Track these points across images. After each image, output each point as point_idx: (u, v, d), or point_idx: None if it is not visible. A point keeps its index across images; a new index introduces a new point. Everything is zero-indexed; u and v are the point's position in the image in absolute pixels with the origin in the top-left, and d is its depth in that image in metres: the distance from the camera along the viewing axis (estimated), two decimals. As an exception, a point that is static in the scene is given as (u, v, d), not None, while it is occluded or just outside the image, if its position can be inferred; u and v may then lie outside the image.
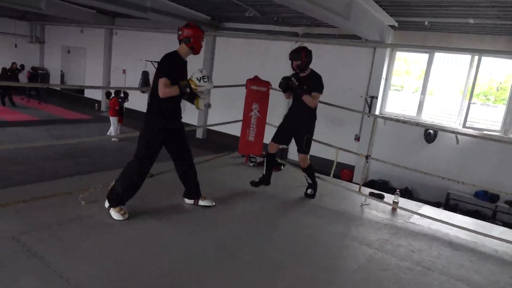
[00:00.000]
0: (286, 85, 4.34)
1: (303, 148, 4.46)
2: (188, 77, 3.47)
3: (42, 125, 12.05)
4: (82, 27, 16.10)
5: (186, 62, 3.58)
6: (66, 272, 2.55)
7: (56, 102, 16.49)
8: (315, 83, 4.30)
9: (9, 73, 14.74)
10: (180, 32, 3.48)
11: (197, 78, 3.38)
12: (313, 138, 4.61)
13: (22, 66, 16.38)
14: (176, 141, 3.66)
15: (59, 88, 17.77)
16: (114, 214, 3.39)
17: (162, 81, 3.30)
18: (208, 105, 3.79)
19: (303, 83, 4.26)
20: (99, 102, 16.06)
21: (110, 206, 3.42)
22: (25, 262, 2.62)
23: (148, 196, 3.88)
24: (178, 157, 3.75)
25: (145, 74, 13.83)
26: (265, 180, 4.75)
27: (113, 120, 10.92)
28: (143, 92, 13.16)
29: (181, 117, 3.71)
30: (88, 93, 16.92)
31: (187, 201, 3.95)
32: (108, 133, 10.99)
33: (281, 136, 4.60)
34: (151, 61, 13.81)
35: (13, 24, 17.15)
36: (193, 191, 3.92)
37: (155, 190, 4.04)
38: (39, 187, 3.98)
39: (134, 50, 14.57)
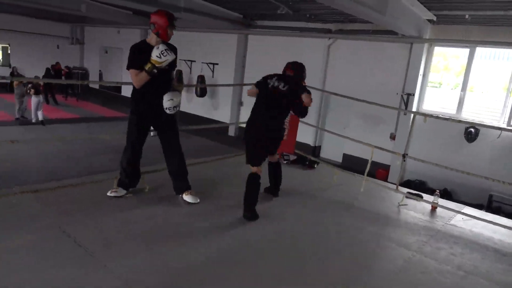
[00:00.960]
0: None
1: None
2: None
3: (82, 123, 12.56)
4: (118, 28, 16.62)
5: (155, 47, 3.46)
6: (109, 262, 2.65)
7: (95, 100, 17.15)
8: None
9: (52, 73, 15.46)
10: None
11: (156, 56, 3.38)
12: (348, 136, 4.42)
13: (68, 68, 17.25)
14: (159, 127, 3.78)
15: (97, 87, 18.44)
16: (109, 191, 3.71)
17: (130, 73, 3.45)
18: (174, 107, 3.61)
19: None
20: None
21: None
22: (70, 252, 2.74)
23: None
24: (165, 149, 3.82)
25: (179, 73, 14.09)
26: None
27: None
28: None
29: (159, 103, 3.56)
30: (124, 92, 17.46)
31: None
32: None
33: None
34: (185, 60, 14.08)
35: (55, 26, 17.98)
36: (179, 187, 3.86)
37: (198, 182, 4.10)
38: (85, 180, 4.15)
39: (168, 49, 14.85)
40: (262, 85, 3.86)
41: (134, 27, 15.63)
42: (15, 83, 11.42)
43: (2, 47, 18.06)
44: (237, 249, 3.11)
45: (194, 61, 13.93)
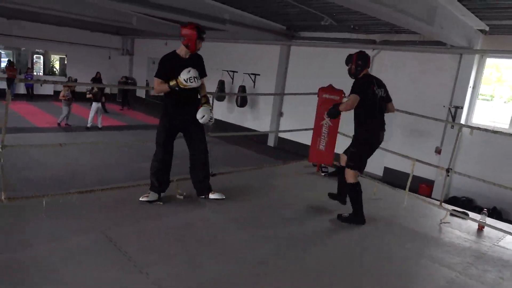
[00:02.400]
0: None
1: (347, 161, 4.02)
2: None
3: (130, 130, 13.14)
4: (166, 39, 17.32)
5: (187, 59, 3.76)
6: (145, 267, 2.74)
7: (141, 109, 17.92)
8: (353, 86, 3.90)
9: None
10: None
11: (184, 79, 3.60)
12: (390, 149, 4.24)
13: (126, 78, 18.30)
14: (185, 133, 3.98)
15: (143, 96, 19.26)
16: (141, 196, 3.83)
17: (154, 81, 3.80)
18: (210, 119, 3.88)
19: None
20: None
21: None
22: (110, 255, 2.87)
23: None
24: (189, 148, 4.03)
25: (221, 83, 14.42)
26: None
27: None
28: (218, 100, 13.75)
29: (188, 112, 3.84)
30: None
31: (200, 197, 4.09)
32: None
33: None
34: (227, 70, 14.38)
35: (108, 38, 19.11)
36: (198, 187, 4.08)
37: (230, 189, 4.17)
38: (125, 185, 4.34)
39: (211, 60, 15.20)
40: (370, 94, 3.83)
41: (180, 39, 16.21)
42: (61, 94, 12.22)
43: (60, 58, 19.44)
44: (274, 260, 3.11)
45: (236, 71, 14.19)
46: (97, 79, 16.59)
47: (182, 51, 3.78)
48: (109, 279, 2.59)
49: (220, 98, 13.87)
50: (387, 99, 4.13)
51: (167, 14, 9.82)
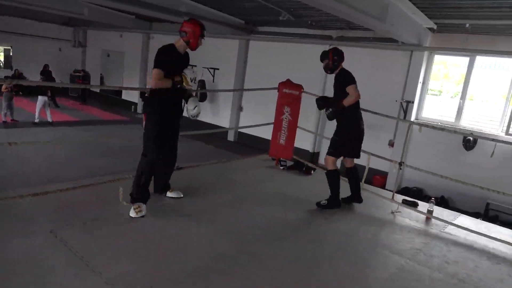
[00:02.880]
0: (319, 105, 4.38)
1: (328, 149, 4.30)
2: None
3: (83, 125, 12.59)
4: (121, 31, 16.72)
5: (183, 55, 3.62)
6: (99, 266, 2.64)
7: (95, 104, 17.23)
8: (343, 79, 4.16)
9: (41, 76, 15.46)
10: (181, 25, 3.55)
11: (190, 79, 3.50)
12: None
13: (84, 71, 17.53)
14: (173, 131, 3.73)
15: (98, 90, 18.51)
16: (131, 211, 3.47)
17: (155, 72, 3.39)
18: (196, 115, 3.87)
19: (335, 84, 4.23)
20: (135, 104, 16.59)
21: (130, 201, 3.53)
22: (61, 256, 2.74)
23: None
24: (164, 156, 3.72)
25: (182, 77, 14.13)
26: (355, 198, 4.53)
27: None
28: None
29: (178, 111, 3.70)
30: (125, 96, 17.54)
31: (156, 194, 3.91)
32: None
33: None
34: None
35: (57, 29, 18.10)
36: (159, 185, 3.90)
37: (183, 184, 4.11)
38: (76, 184, 4.15)
39: (169, 53, 14.91)
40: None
41: (137, 31, 15.72)
42: (3, 86, 11.51)
43: (4, 49, 18.17)
44: (231, 255, 3.11)
45: (195, 65, 13.99)
46: (45, 72, 15.72)
47: (181, 46, 3.57)
48: (61, 280, 2.48)
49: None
50: None
51: (121, 5, 9.48)
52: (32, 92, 13.66)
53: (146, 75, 16.31)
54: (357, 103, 4.19)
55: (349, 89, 4.04)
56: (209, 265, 2.88)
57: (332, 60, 4.15)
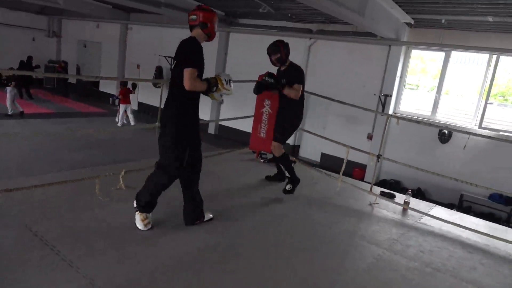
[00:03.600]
0: (258, 87, 4.37)
1: (275, 135, 4.40)
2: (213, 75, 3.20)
3: (58, 118, 12.26)
4: (98, 21, 16.29)
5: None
6: (76, 261, 2.59)
7: (72, 95, 16.78)
8: (295, 75, 4.20)
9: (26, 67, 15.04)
10: (194, 16, 3.06)
11: (224, 80, 3.15)
12: (326, 135, 4.53)
13: (64, 62, 17.05)
14: (193, 148, 3.21)
15: (74, 82, 18.03)
16: (138, 222, 3.13)
17: (190, 72, 2.88)
18: (221, 101, 3.79)
19: (284, 77, 4.24)
20: (113, 96, 16.26)
21: (136, 210, 3.16)
22: (36, 251, 2.67)
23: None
24: (189, 169, 3.23)
25: (159, 69, 13.93)
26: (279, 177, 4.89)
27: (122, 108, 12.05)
28: (155, 86, 13.32)
29: (197, 117, 3.27)
30: (102, 87, 17.15)
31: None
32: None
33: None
34: (165, 56, 13.92)
35: (31, 18, 17.46)
36: (192, 214, 3.38)
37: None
38: (52, 177, 4.04)
39: (148, 45, 14.67)
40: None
41: (114, 22, 15.36)
42: None
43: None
44: (209, 249, 3.10)
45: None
46: (25, 64, 15.27)
47: (202, 39, 3.09)
48: (36, 275, 2.42)
49: (155, 85, 13.38)
50: None
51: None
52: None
53: (125, 67, 15.99)
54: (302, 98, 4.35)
55: (297, 86, 4.13)
56: (183, 261, 2.86)
57: (285, 54, 4.20)
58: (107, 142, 9.47)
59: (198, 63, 2.96)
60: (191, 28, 3.11)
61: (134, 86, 12.71)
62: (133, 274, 2.58)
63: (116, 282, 2.47)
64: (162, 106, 3.22)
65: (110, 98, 16.26)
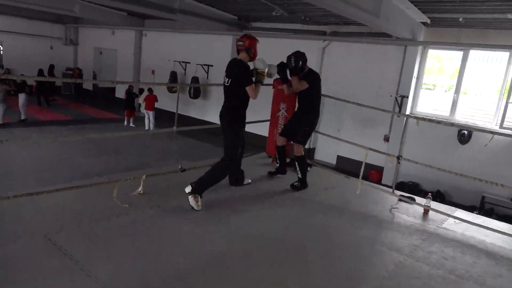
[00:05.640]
0: (282, 66, 4.63)
1: (297, 138, 4.71)
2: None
3: (75, 125, 12.47)
4: (113, 29, 16.54)
5: None
6: (94, 270, 2.59)
7: (89, 102, 17.06)
8: (309, 76, 4.63)
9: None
10: (241, 42, 3.98)
11: (263, 66, 4.02)
12: (342, 138, 4.59)
13: (79, 69, 17.46)
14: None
15: (91, 88, 18.33)
16: (193, 203, 3.74)
17: (252, 88, 3.88)
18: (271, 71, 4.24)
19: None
20: (133, 93, 16.44)
21: (191, 193, 3.76)
22: (55, 260, 2.69)
23: (176, 193, 3.92)
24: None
25: (173, 74, 14.04)
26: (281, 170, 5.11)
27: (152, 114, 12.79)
28: (170, 91, 13.43)
29: None
30: (119, 93, 17.38)
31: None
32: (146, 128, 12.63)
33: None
34: (179, 61, 14.03)
35: (49, 27, 17.87)
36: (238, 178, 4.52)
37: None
38: (71, 184, 4.08)
39: (163, 51, 14.81)
40: (320, 86, 4.78)
41: (129, 28, 15.58)
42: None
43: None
44: (226, 255, 3.07)
45: (189, 62, 13.90)
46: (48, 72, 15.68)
47: (246, 60, 4.01)
48: (55, 284, 2.43)
49: (171, 90, 13.46)
50: None
51: (113, 2, 9.36)
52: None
53: (140, 73, 16.15)
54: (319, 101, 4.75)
55: (303, 83, 4.55)
56: (204, 266, 2.84)
57: (304, 62, 4.55)
58: (122, 148, 9.58)
59: (252, 79, 3.93)
60: (238, 51, 4.03)
61: (141, 91, 13.37)
62: (151, 281, 2.57)
63: (135, 291, 2.47)
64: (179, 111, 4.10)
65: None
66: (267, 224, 3.73)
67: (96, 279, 2.51)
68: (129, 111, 13.31)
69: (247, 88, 3.87)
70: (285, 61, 4.59)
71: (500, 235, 3.91)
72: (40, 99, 14.90)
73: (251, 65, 4.03)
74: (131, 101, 13.48)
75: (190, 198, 3.74)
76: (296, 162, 4.73)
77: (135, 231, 3.24)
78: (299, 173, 4.70)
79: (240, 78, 3.90)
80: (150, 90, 13.14)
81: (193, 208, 3.72)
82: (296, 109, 4.96)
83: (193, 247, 3.10)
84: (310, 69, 4.68)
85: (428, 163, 5.50)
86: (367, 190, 4.93)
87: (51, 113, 14.05)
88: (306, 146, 10.55)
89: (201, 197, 3.80)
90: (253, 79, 3.96)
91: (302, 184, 4.70)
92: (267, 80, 5.50)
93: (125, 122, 13.20)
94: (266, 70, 4.04)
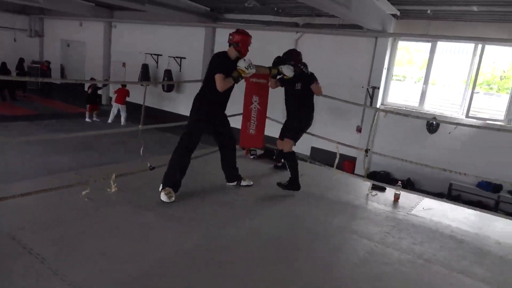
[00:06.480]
0: (278, 60, 4.61)
1: (291, 134, 4.55)
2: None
3: (43, 120, 12.02)
4: (81, 20, 15.98)
5: (233, 62, 3.93)
6: (62, 269, 2.52)
7: (56, 96, 16.48)
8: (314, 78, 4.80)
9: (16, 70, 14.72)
10: (230, 36, 3.95)
11: (245, 67, 3.86)
12: (316, 129, 4.65)
13: (48, 62, 16.72)
14: (217, 133, 4.20)
15: (59, 82, 17.68)
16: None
17: (219, 77, 3.76)
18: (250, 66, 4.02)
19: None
20: (99, 96, 15.99)
21: (161, 189, 3.79)
22: (20, 259, 2.59)
23: (148, 190, 3.86)
24: (221, 146, 4.29)
25: (145, 67, 13.75)
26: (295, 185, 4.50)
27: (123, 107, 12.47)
28: (142, 85, 13.16)
29: (222, 112, 4.16)
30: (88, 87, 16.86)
31: (229, 184, 4.44)
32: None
33: None
34: (151, 54, 13.74)
35: (11, 18, 17.05)
36: (234, 175, 4.42)
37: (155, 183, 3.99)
38: (36, 182, 3.95)
39: (133, 43, 14.45)
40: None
41: (97, 20, 15.09)
42: None
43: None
44: (205, 248, 3.06)
45: (161, 55, 13.64)
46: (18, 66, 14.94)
47: (232, 54, 3.96)
48: (22, 284, 2.35)
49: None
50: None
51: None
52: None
53: (110, 66, 15.72)
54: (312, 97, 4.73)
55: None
56: (177, 263, 2.81)
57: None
58: (93, 143, 9.32)
59: (222, 69, 3.80)
60: (229, 45, 3.98)
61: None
62: (121, 279, 2.52)
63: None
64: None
65: (97, 99, 15.96)
66: (235, 214, 3.73)
67: (64, 278, 2.44)
68: (93, 106, 12.77)
69: (215, 77, 3.79)
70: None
71: (465, 219, 4.07)
72: (3, 93, 14.26)
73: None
74: (96, 95, 13.07)
75: (161, 193, 3.74)
76: (285, 160, 4.58)
77: (105, 229, 3.16)
78: (289, 172, 4.42)
79: (210, 67, 3.91)
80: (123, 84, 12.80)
81: (165, 202, 3.69)
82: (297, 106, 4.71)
83: (164, 244, 3.06)
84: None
85: (399, 152, 5.67)
86: (339, 181, 5.01)
87: (16, 108, 13.49)
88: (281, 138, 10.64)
89: (175, 192, 3.80)
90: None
91: (290, 184, 4.38)
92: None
93: (87, 118, 12.54)
94: (246, 70, 3.88)
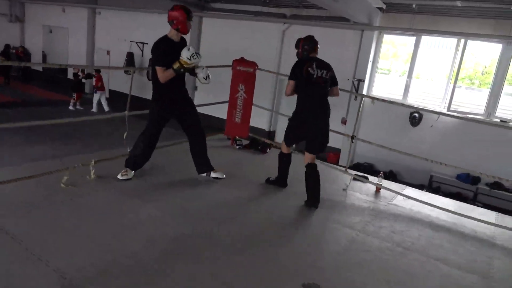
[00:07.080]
0: None
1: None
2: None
3: (23, 107, 11.76)
4: (63, 5, 15.59)
5: (179, 42, 3.73)
6: (45, 255, 2.51)
7: (38, 83, 16.10)
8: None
9: None
10: (167, 17, 3.70)
11: (187, 57, 3.61)
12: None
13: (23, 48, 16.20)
14: (184, 118, 4.03)
15: (41, 69, 17.28)
16: (119, 175, 3.84)
17: (158, 70, 3.61)
18: (207, 77, 3.97)
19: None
20: (83, 84, 15.71)
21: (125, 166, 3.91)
22: (4, 246, 2.58)
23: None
24: (188, 133, 4.12)
25: (130, 55, 13.54)
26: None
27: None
28: (126, 73, 12.97)
29: (184, 97, 4.01)
30: (71, 74, 16.51)
31: (201, 175, 4.24)
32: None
33: None
34: (136, 42, 13.52)
35: (-9, 2, 16.55)
36: (204, 165, 4.20)
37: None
38: (17, 169, 3.89)
39: (118, 30, 14.19)
40: (298, 74, 3.91)
41: (80, 6, 14.75)
42: None
43: None
44: (186, 237, 3.08)
45: (146, 43, 13.43)
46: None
47: (173, 35, 3.72)
48: (6, 270, 2.34)
49: (127, 72, 13.01)
50: (332, 82, 4.28)
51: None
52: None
53: (94, 53, 15.42)
54: (310, 92, 4.05)
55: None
56: (158, 248, 2.84)
57: (303, 49, 4.09)
58: (75, 131, 9.19)
59: (161, 60, 3.61)
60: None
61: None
62: (104, 265, 2.54)
63: (87, 274, 2.42)
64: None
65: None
66: (220, 205, 3.75)
67: (48, 263, 2.44)
68: (79, 94, 12.67)
69: (156, 68, 3.63)
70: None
71: (443, 210, 4.20)
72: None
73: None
74: (82, 83, 12.88)
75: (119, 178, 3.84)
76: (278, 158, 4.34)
77: (87, 214, 3.16)
78: (278, 169, 4.31)
79: (151, 58, 3.78)
80: (97, 70, 12.61)
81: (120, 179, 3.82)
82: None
83: (151, 230, 3.07)
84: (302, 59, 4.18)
85: (382, 144, 5.75)
86: (323, 170, 5.06)
87: (-3, 94, 13.15)
88: (267, 129, 10.70)
89: (134, 172, 3.92)
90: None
91: (278, 181, 4.32)
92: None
93: (71, 106, 12.46)
94: (188, 60, 3.60)
